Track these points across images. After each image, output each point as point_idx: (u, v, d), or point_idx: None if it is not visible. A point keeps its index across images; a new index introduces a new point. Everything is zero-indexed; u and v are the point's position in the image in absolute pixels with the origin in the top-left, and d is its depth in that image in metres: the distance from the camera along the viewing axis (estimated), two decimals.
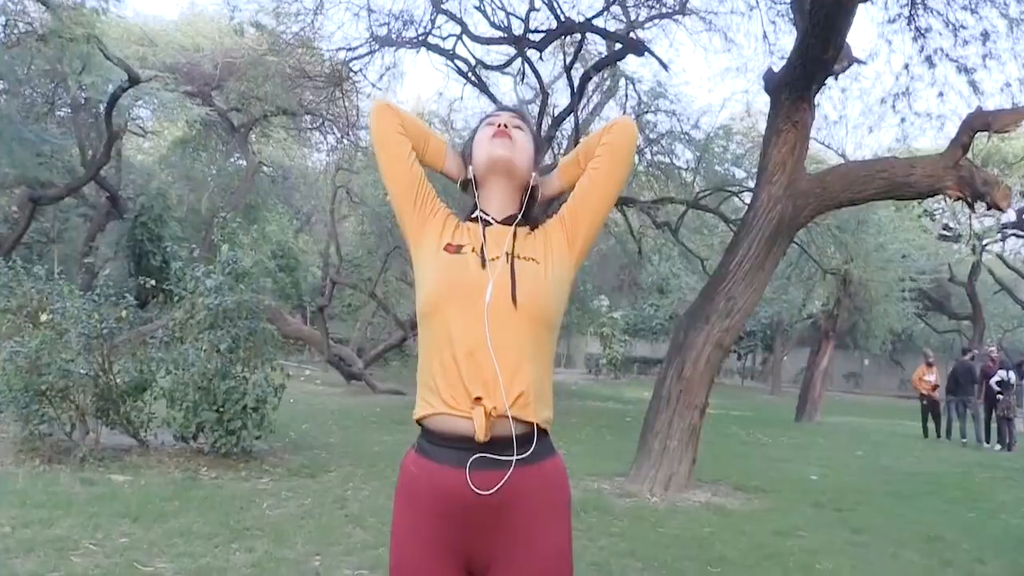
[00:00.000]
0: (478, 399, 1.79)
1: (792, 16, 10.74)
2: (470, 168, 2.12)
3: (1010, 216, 23.26)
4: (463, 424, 1.80)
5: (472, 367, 1.82)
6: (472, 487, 1.78)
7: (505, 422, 1.80)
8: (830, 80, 8.28)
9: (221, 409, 7.40)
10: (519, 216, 2.07)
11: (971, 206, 6.92)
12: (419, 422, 1.92)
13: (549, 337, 1.95)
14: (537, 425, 1.84)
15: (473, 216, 2.10)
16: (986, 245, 23.50)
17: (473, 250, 1.97)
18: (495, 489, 1.78)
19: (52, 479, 6.34)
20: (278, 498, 6.37)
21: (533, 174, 2.11)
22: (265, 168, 24.05)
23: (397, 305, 20.37)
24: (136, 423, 7.65)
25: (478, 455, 1.79)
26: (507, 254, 1.95)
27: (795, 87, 7.15)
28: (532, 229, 2.08)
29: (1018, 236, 25.36)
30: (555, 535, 1.88)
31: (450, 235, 2.03)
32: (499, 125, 2.08)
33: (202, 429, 7.53)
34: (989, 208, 6.63)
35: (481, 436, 1.76)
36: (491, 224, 2.05)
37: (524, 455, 1.81)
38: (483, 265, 1.92)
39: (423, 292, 1.95)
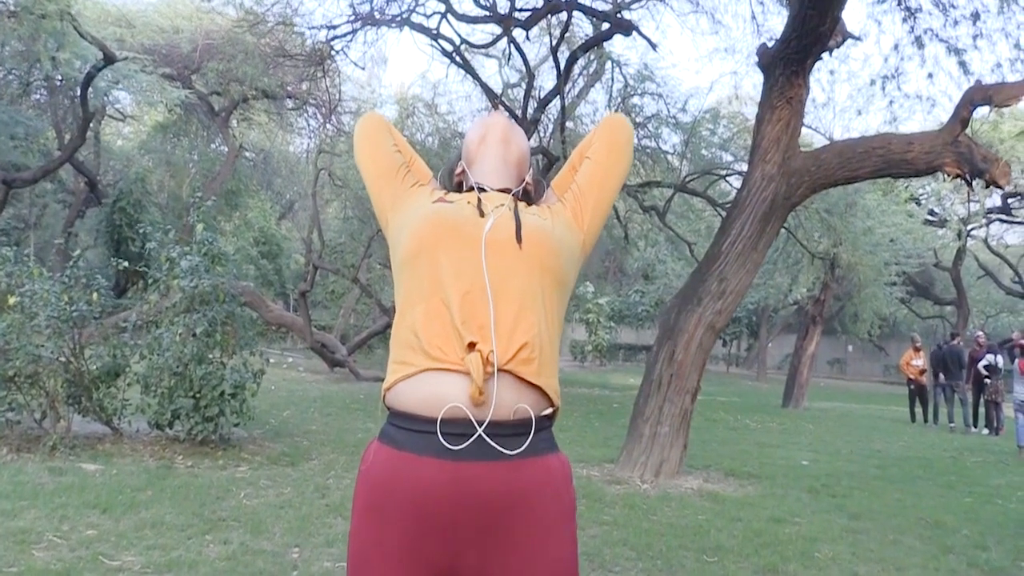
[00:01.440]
0: (471, 345, 1.49)
1: None
2: (460, 164, 1.94)
3: (995, 201, 23.25)
4: (451, 388, 1.48)
5: (467, 309, 1.52)
6: (460, 483, 1.46)
7: (504, 394, 1.49)
8: (819, 62, 8.08)
9: (197, 395, 7.16)
10: (519, 188, 1.87)
11: (969, 183, 6.74)
12: (389, 400, 1.58)
13: (558, 293, 1.66)
14: (543, 392, 1.55)
15: (466, 188, 1.89)
16: (971, 230, 23.44)
17: (469, 202, 1.72)
18: (492, 486, 1.47)
19: (19, 469, 6.08)
20: (256, 487, 6.14)
21: (530, 171, 1.94)
22: (247, 153, 23.76)
23: (381, 291, 20.11)
24: (109, 410, 7.39)
25: (469, 441, 1.47)
26: (508, 208, 1.71)
27: (790, 61, 6.94)
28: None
29: (1003, 221, 25.33)
30: (561, 546, 1.55)
31: (440, 195, 1.82)
32: (494, 105, 1.91)
33: (178, 416, 7.28)
34: (988, 186, 6.44)
35: (477, 389, 1.44)
36: (486, 191, 1.80)
37: (526, 443, 1.50)
38: (480, 214, 1.68)
39: (407, 234, 1.68)
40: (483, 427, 1.47)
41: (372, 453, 1.59)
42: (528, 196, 1.90)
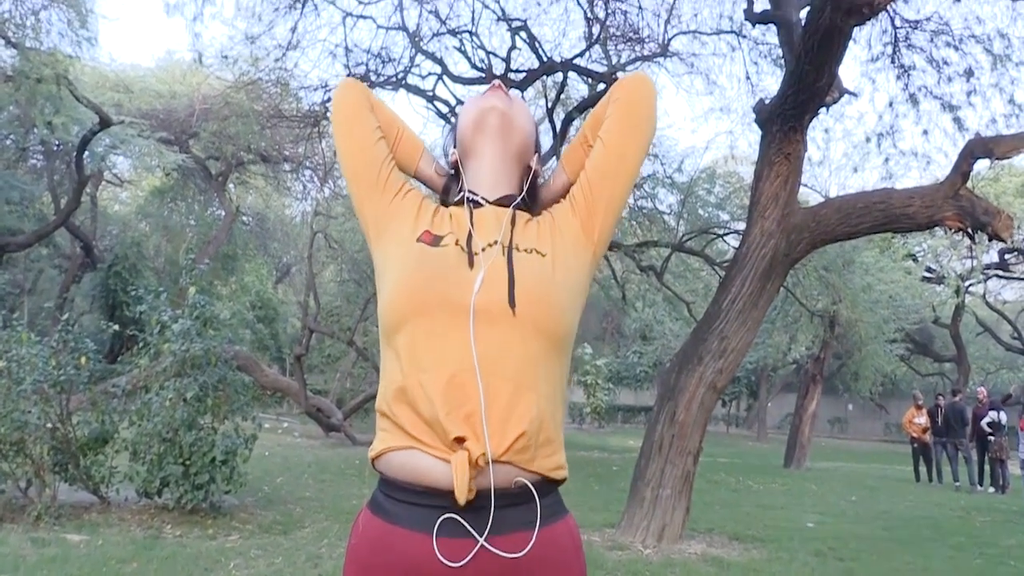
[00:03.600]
0: (459, 440, 1.30)
1: (776, 55, 10.71)
2: (453, 151, 1.68)
3: (992, 257, 23.24)
4: (436, 467, 1.32)
5: (452, 396, 1.32)
6: (444, 560, 1.30)
7: (498, 470, 1.32)
8: (815, 120, 8.08)
9: (187, 462, 6.98)
10: (519, 198, 1.62)
11: (971, 237, 6.67)
12: (378, 466, 1.43)
13: (560, 356, 1.45)
14: (545, 477, 1.39)
15: (458, 200, 1.63)
16: (969, 286, 23.38)
17: (457, 242, 1.50)
18: (492, 563, 1.32)
19: (1, 540, 5.87)
20: (246, 557, 5.93)
21: (534, 156, 1.67)
22: (244, 217, 23.79)
23: (377, 354, 19.90)
24: (96, 478, 7.19)
25: (455, 516, 1.31)
26: (502, 245, 1.48)
27: (787, 117, 6.91)
28: (534, 216, 1.63)
29: (1000, 277, 25.30)
30: None
31: (427, 219, 1.57)
32: (493, 84, 1.68)
33: (167, 484, 7.08)
34: (991, 239, 6.37)
35: (462, 496, 1.27)
36: (481, 205, 1.58)
37: (520, 521, 1.35)
38: (470, 262, 1.45)
39: (385, 297, 1.46)
40: (472, 504, 1.32)
41: (362, 526, 1.44)
42: (532, 196, 1.68)
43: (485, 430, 1.31)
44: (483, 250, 1.49)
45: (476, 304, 1.39)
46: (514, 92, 1.85)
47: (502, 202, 1.60)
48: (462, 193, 1.63)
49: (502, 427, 1.32)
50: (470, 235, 1.51)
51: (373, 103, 1.71)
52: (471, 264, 1.46)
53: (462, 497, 1.27)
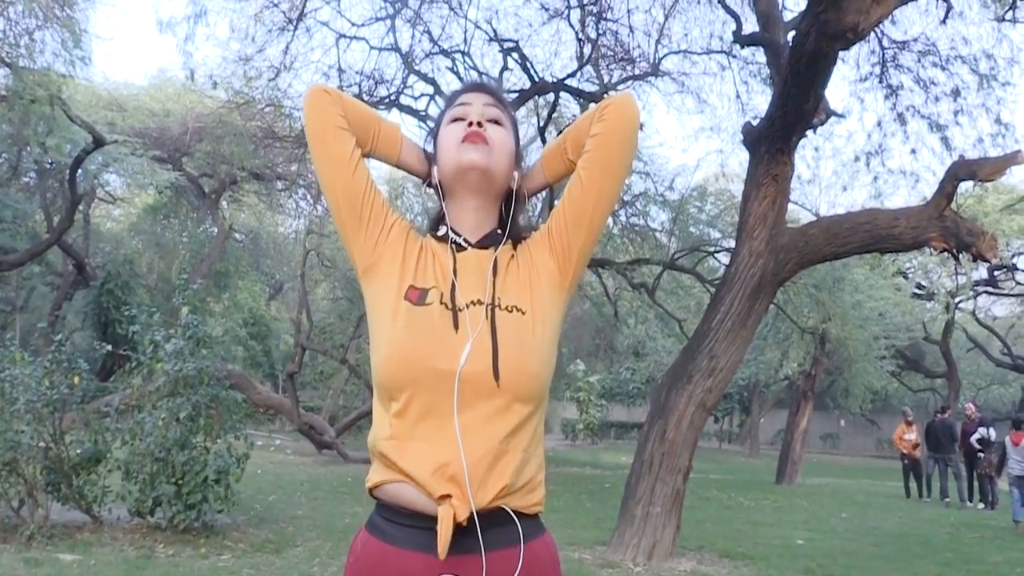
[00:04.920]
0: (445, 496, 1.41)
1: (766, 74, 10.81)
2: (435, 170, 1.69)
3: (982, 273, 23.38)
4: (427, 500, 1.44)
5: (437, 461, 1.44)
6: (440, 552, 1.40)
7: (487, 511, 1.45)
8: (804, 139, 8.18)
9: (180, 481, 7.01)
10: (501, 237, 1.67)
11: (956, 257, 6.76)
12: (374, 493, 1.54)
13: (540, 409, 1.56)
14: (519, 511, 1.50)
15: (441, 234, 1.68)
16: (959, 303, 23.49)
17: (442, 296, 1.56)
18: None
19: None
20: None
21: (515, 174, 1.69)
22: (236, 235, 23.82)
23: (369, 372, 19.92)
24: (89, 497, 7.22)
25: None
26: (486, 306, 1.55)
27: (774, 139, 7.01)
28: (515, 244, 1.69)
29: (990, 293, 25.44)
30: None
31: (412, 268, 1.61)
32: (470, 123, 1.63)
33: (159, 503, 7.12)
34: (975, 259, 6.46)
35: (443, 552, 1.38)
36: (464, 248, 1.64)
37: (505, 539, 1.46)
38: (455, 323, 1.52)
39: (378, 359, 1.54)
40: (461, 526, 1.43)
41: (360, 546, 1.54)
42: (516, 216, 1.71)
43: (469, 491, 1.42)
44: (467, 307, 1.55)
45: (462, 375, 1.47)
46: (505, 97, 1.82)
47: (484, 243, 1.65)
48: (445, 230, 1.67)
49: (484, 484, 1.43)
50: (453, 288, 1.57)
51: (346, 107, 1.67)
52: (456, 325, 1.52)
53: (443, 553, 1.38)
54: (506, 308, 1.56)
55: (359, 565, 1.52)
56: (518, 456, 1.48)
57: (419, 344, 1.50)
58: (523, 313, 1.56)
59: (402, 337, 1.51)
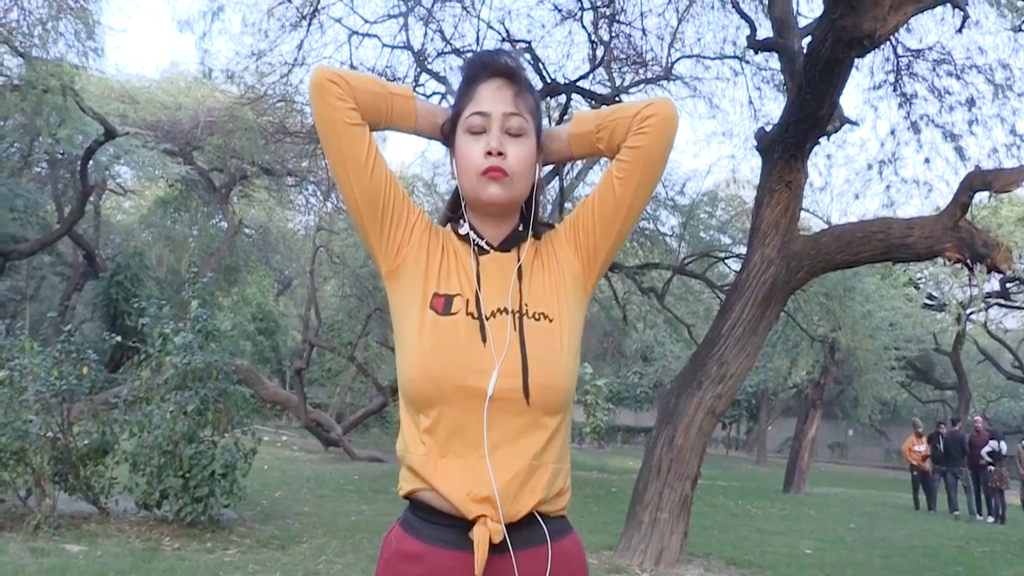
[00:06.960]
0: (480, 517, 1.44)
1: (779, 80, 10.77)
2: (453, 164, 1.63)
3: (994, 285, 23.26)
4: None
5: (470, 483, 1.46)
6: (476, 573, 1.43)
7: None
8: (817, 146, 8.14)
9: (187, 475, 7.00)
10: (524, 234, 1.63)
11: (970, 269, 6.70)
12: (407, 496, 1.57)
13: (566, 419, 1.57)
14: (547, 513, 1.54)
15: (463, 233, 1.62)
16: (970, 315, 23.38)
17: (468, 305, 1.52)
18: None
19: (0, 549, 5.90)
20: (244, 571, 5.95)
21: (536, 165, 1.62)
22: (246, 229, 23.84)
23: (377, 370, 19.94)
24: (96, 489, 7.22)
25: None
26: (513, 313, 1.52)
27: (788, 146, 6.97)
28: (536, 237, 1.64)
29: (1002, 305, 25.31)
30: None
31: (436, 273, 1.57)
32: (489, 151, 1.54)
33: (166, 496, 7.12)
34: (989, 271, 6.41)
35: (479, 572, 1.42)
36: (487, 252, 1.60)
37: (535, 539, 1.49)
38: (482, 335, 1.49)
39: (406, 373, 1.52)
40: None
41: (394, 542, 1.55)
42: (538, 211, 1.67)
43: (500, 511, 1.44)
44: (493, 315, 1.53)
45: (491, 399, 1.47)
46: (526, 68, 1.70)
47: (507, 245, 1.62)
48: (465, 228, 1.62)
49: (517, 500, 1.46)
50: (478, 298, 1.54)
51: (355, 92, 1.57)
52: (483, 338, 1.50)
53: (480, 573, 1.43)
54: (533, 316, 1.54)
55: (394, 560, 1.53)
56: (550, 469, 1.51)
57: (448, 362, 1.48)
58: (550, 320, 1.54)
59: (429, 355, 1.49)
